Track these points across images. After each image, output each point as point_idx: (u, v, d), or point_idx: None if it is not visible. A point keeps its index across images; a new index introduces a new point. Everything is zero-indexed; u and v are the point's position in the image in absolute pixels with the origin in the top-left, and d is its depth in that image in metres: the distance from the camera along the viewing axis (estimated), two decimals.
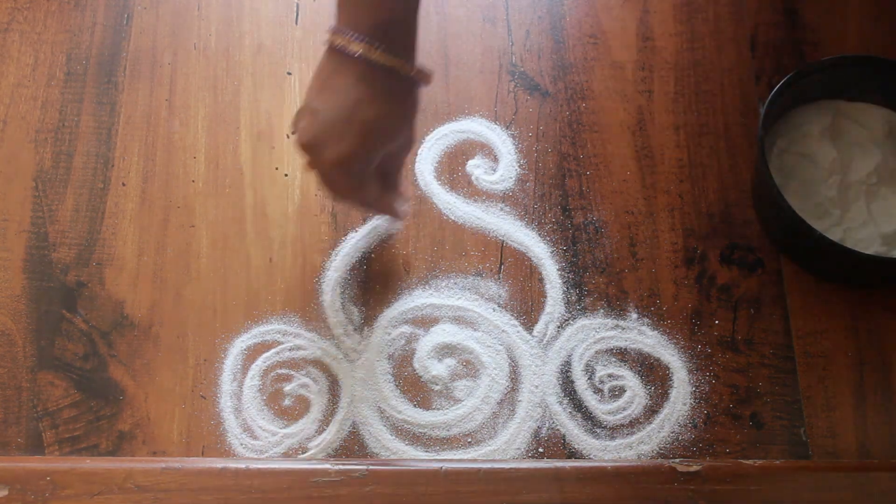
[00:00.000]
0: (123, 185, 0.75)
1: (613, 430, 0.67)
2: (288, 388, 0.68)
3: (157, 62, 0.79)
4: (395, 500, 0.61)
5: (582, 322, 0.70)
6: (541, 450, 0.66)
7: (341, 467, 0.61)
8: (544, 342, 0.69)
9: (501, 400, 0.68)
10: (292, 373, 0.68)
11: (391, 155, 0.63)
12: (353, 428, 0.67)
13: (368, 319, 0.70)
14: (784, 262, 0.72)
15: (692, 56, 0.80)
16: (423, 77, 0.60)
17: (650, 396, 0.68)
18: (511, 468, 0.63)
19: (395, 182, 0.67)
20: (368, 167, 0.61)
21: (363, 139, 0.58)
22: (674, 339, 0.70)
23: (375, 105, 0.58)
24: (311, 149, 0.59)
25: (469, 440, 0.67)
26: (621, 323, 0.70)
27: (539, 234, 0.73)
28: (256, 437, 0.66)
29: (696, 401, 0.68)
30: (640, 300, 0.71)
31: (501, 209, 0.74)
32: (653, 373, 0.69)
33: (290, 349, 0.69)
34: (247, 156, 0.76)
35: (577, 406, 0.68)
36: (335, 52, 0.58)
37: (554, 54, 0.80)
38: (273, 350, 0.69)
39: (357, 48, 0.56)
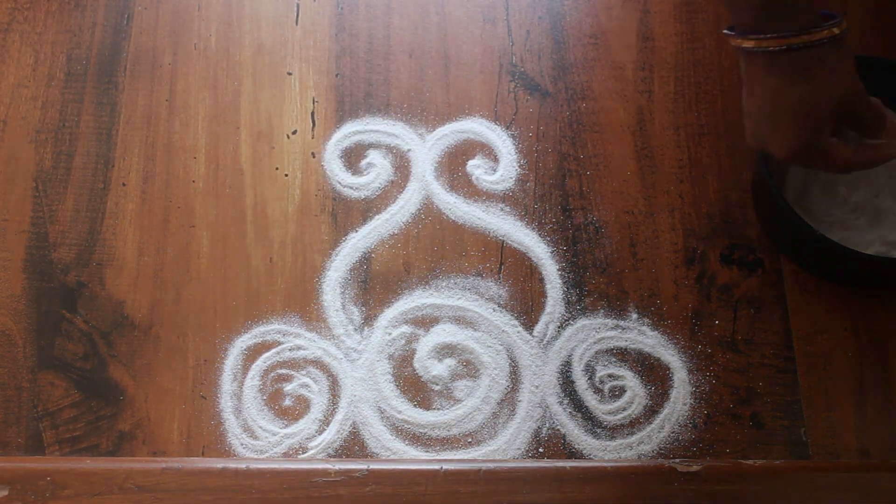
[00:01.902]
0: (124, 185, 0.75)
1: (613, 430, 0.67)
2: (288, 388, 0.68)
3: (157, 62, 0.79)
4: (395, 500, 0.61)
5: (582, 322, 0.70)
6: (541, 450, 0.66)
7: (341, 467, 0.61)
8: (544, 342, 0.69)
9: (501, 400, 0.68)
10: (292, 373, 0.68)
11: (847, 111, 0.59)
12: (354, 428, 0.67)
13: (368, 319, 0.70)
14: (784, 262, 0.72)
15: (692, 56, 0.80)
16: (830, 31, 0.56)
17: (650, 396, 0.68)
18: (511, 468, 0.63)
19: (873, 125, 0.61)
20: (824, 138, 0.59)
21: (797, 123, 0.57)
22: (674, 340, 0.70)
23: (794, 87, 0.56)
24: (761, 148, 0.61)
25: (469, 440, 0.67)
26: (621, 323, 0.70)
27: (539, 234, 0.73)
28: (257, 437, 0.66)
29: (697, 401, 0.68)
30: (640, 300, 0.71)
31: (501, 209, 0.74)
32: (653, 373, 0.69)
33: (291, 349, 0.69)
34: (247, 156, 0.76)
35: (578, 406, 0.68)
36: (742, 54, 0.58)
37: (554, 54, 0.80)
38: (273, 350, 0.69)
39: (748, 44, 0.56)
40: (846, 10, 0.81)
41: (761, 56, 0.57)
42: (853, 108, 0.59)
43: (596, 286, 0.71)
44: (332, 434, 0.66)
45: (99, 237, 0.73)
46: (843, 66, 0.58)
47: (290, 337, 0.69)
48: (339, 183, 0.75)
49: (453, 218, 0.74)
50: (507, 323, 0.70)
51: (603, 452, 0.66)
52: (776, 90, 0.57)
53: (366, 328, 0.70)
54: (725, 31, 0.59)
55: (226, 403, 0.67)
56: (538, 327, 0.70)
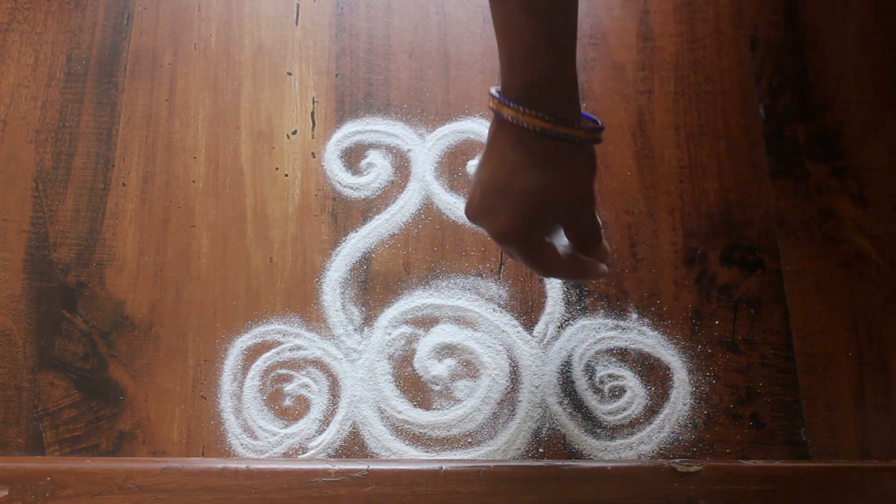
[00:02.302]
0: (124, 185, 0.75)
1: (613, 431, 0.67)
2: (288, 388, 0.68)
3: (157, 62, 0.79)
4: (395, 501, 0.61)
5: (582, 322, 0.70)
6: (541, 450, 0.66)
7: (341, 467, 0.61)
8: (544, 342, 0.69)
9: (501, 400, 0.68)
10: (292, 373, 0.68)
11: (571, 217, 0.56)
12: (354, 428, 0.67)
13: (368, 319, 0.70)
14: (784, 262, 0.72)
15: (692, 56, 0.80)
16: (589, 135, 0.54)
17: (650, 397, 0.68)
18: (511, 468, 0.63)
19: (588, 242, 0.59)
20: (539, 234, 0.56)
21: (522, 209, 0.54)
22: (674, 340, 0.70)
23: (532, 173, 0.53)
24: (476, 221, 0.56)
25: (469, 440, 0.67)
26: (621, 323, 0.70)
27: None
28: (257, 438, 0.66)
29: (697, 401, 0.68)
30: (640, 300, 0.71)
31: None
32: (653, 373, 0.69)
33: (291, 349, 0.69)
34: (247, 156, 0.76)
35: (578, 406, 0.68)
36: (494, 118, 0.54)
37: None
38: (273, 350, 0.69)
39: (508, 113, 0.52)
40: (846, 10, 0.81)
41: (514, 129, 0.52)
42: (579, 215, 0.56)
43: (596, 286, 0.71)
44: (332, 434, 0.66)
45: (99, 237, 0.73)
46: (586, 171, 0.55)
47: (290, 337, 0.69)
48: (339, 183, 0.75)
49: (453, 218, 0.74)
50: (507, 323, 0.70)
51: (603, 452, 0.66)
52: (514, 168, 0.53)
53: (366, 328, 0.70)
54: (491, 91, 0.54)
55: (226, 403, 0.67)
56: (538, 327, 0.70)
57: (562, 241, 0.58)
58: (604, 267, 0.60)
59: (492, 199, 0.54)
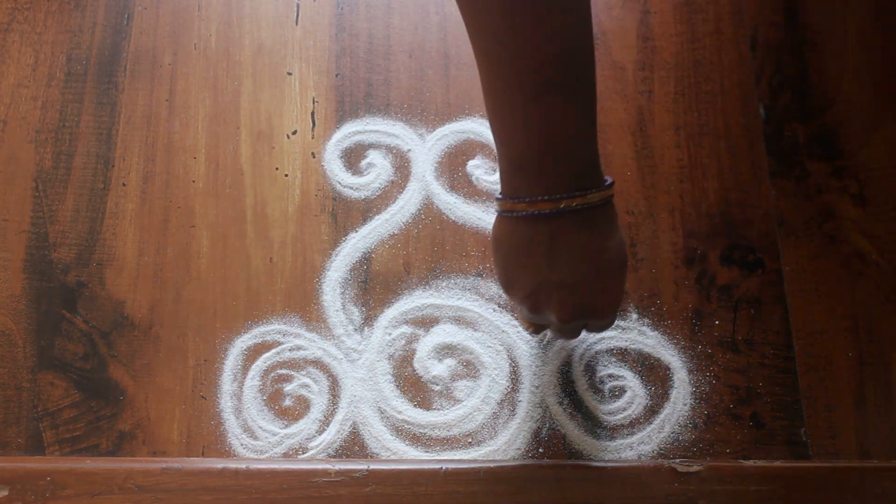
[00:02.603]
0: (123, 185, 0.75)
1: (614, 431, 0.67)
2: (288, 388, 0.68)
3: (157, 62, 0.79)
4: (395, 501, 0.61)
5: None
6: (541, 450, 0.66)
7: (341, 467, 0.61)
8: (544, 342, 0.69)
9: (502, 400, 0.68)
10: (293, 373, 0.68)
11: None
12: (354, 428, 0.67)
13: (369, 320, 0.70)
14: (784, 262, 0.72)
15: (692, 56, 0.80)
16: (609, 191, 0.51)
17: (650, 397, 0.68)
18: (511, 468, 0.63)
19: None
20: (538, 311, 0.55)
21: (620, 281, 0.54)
22: (674, 340, 0.70)
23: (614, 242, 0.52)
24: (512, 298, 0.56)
25: (469, 440, 0.67)
26: (621, 323, 0.70)
27: None
28: (257, 438, 0.66)
29: (697, 401, 0.68)
30: (640, 300, 0.71)
31: None
32: (653, 373, 0.69)
33: (291, 349, 0.69)
34: (247, 156, 0.76)
35: (578, 406, 0.68)
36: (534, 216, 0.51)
37: None
38: (273, 350, 0.69)
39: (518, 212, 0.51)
40: (846, 10, 0.81)
41: (571, 216, 0.50)
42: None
43: None
44: (332, 434, 0.66)
45: (99, 237, 0.73)
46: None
47: (290, 337, 0.69)
48: (340, 183, 0.75)
49: (453, 218, 0.74)
50: (507, 323, 0.70)
51: (603, 452, 0.66)
52: (608, 244, 0.52)
53: (366, 328, 0.70)
54: (504, 198, 0.51)
55: (226, 403, 0.67)
56: None
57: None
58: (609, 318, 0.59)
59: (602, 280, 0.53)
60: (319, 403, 0.67)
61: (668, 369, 0.69)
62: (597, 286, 0.53)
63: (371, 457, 0.66)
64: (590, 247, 0.51)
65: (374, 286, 0.71)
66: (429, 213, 0.74)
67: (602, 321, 0.55)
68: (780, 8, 0.81)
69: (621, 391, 0.68)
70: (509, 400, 0.68)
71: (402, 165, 0.75)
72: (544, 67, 0.46)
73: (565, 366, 0.69)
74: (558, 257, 0.51)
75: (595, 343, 0.69)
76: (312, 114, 0.77)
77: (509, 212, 0.51)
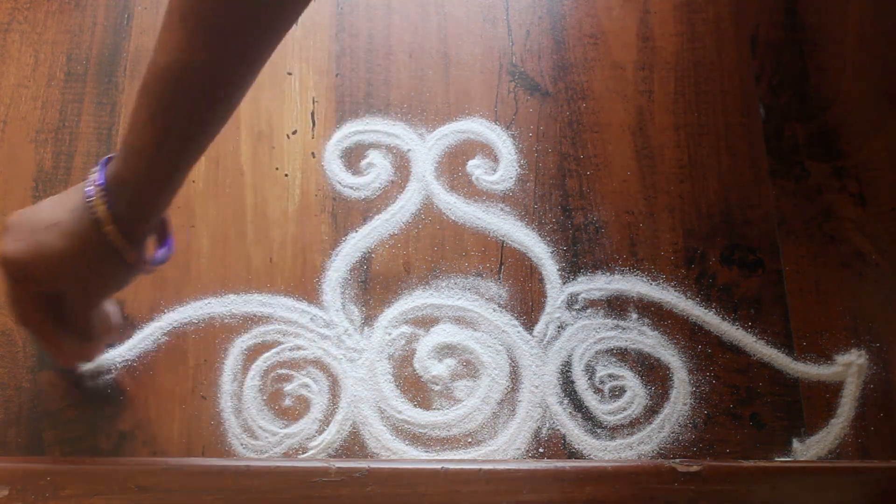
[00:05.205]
0: None
1: (614, 431, 0.67)
2: (288, 388, 0.68)
3: None
4: (395, 500, 0.61)
5: (582, 322, 0.70)
6: (541, 450, 0.66)
7: (341, 467, 0.61)
8: (544, 342, 0.69)
9: (502, 400, 0.68)
10: (292, 373, 0.68)
11: (73, 297, 0.58)
12: (354, 428, 0.67)
13: (369, 319, 0.70)
14: (784, 262, 0.72)
15: (692, 56, 0.80)
16: (138, 267, 0.57)
17: (650, 396, 0.68)
18: (511, 468, 0.63)
19: (74, 327, 0.60)
20: (32, 287, 0.56)
21: (35, 256, 0.55)
22: (674, 340, 0.70)
23: (63, 239, 0.55)
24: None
25: (469, 440, 0.67)
26: (621, 323, 0.70)
27: (539, 234, 0.73)
28: (257, 438, 0.66)
29: (697, 401, 0.68)
30: (640, 300, 0.71)
31: (502, 209, 0.74)
32: (653, 373, 0.69)
33: (291, 349, 0.69)
34: (247, 156, 0.76)
35: (578, 406, 0.68)
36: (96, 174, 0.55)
37: (554, 54, 0.80)
38: (273, 350, 0.69)
39: (90, 188, 0.55)
40: (846, 10, 0.81)
41: (90, 203, 0.55)
42: (73, 308, 0.59)
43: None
44: (332, 434, 0.66)
45: None
46: (112, 284, 0.59)
47: (289, 337, 0.69)
48: (339, 183, 0.75)
49: (453, 218, 0.74)
50: (507, 323, 0.70)
51: (603, 452, 0.66)
52: (62, 221, 0.55)
53: (366, 328, 0.70)
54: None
55: (226, 403, 0.67)
56: (538, 327, 0.70)
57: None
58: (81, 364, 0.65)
59: (18, 230, 0.55)
60: (319, 403, 0.67)
61: (668, 369, 0.69)
62: (25, 225, 0.56)
63: (371, 457, 0.66)
64: (53, 204, 0.57)
65: (374, 286, 0.71)
66: (429, 213, 0.74)
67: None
68: (780, 8, 0.82)
69: (621, 391, 0.68)
70: (509, 400, 0.68)
71: (402, 165, 0.75)
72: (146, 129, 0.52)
73: (565, 366, 0.69)
74: (62, 197, 0.57)
75: (595, 343, 0.69)
76: (312, 114, 0.77)
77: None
